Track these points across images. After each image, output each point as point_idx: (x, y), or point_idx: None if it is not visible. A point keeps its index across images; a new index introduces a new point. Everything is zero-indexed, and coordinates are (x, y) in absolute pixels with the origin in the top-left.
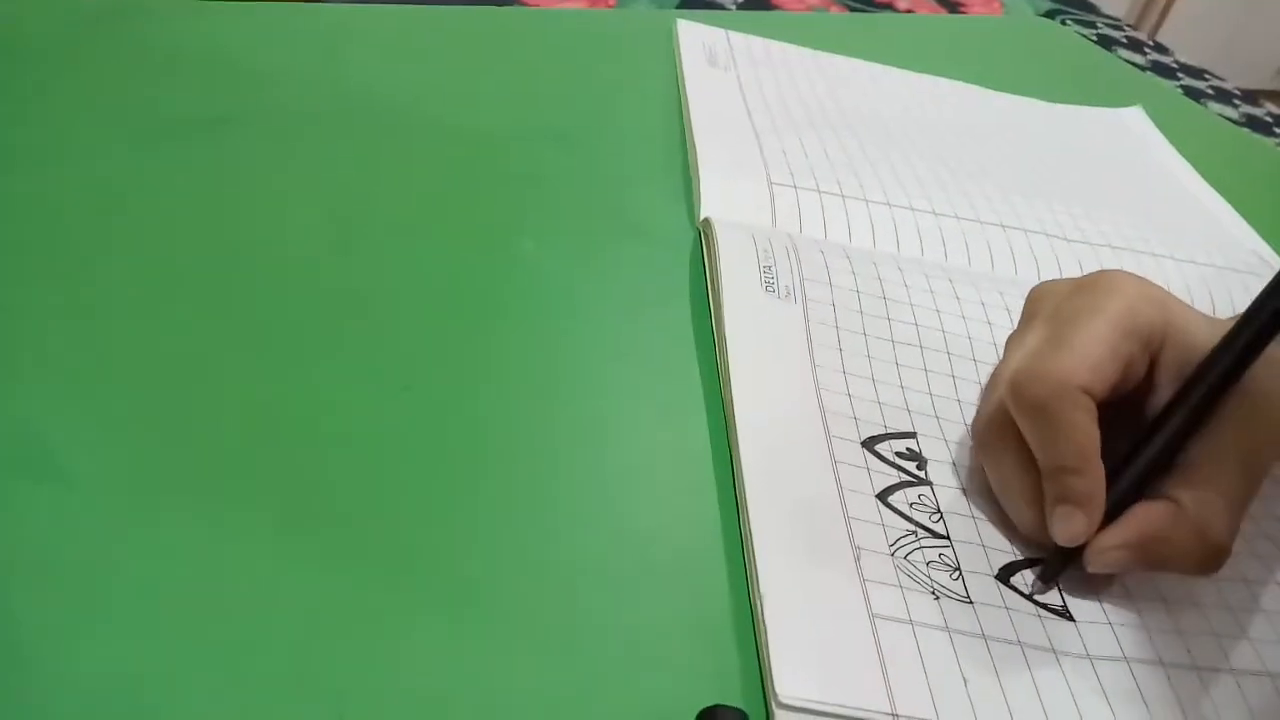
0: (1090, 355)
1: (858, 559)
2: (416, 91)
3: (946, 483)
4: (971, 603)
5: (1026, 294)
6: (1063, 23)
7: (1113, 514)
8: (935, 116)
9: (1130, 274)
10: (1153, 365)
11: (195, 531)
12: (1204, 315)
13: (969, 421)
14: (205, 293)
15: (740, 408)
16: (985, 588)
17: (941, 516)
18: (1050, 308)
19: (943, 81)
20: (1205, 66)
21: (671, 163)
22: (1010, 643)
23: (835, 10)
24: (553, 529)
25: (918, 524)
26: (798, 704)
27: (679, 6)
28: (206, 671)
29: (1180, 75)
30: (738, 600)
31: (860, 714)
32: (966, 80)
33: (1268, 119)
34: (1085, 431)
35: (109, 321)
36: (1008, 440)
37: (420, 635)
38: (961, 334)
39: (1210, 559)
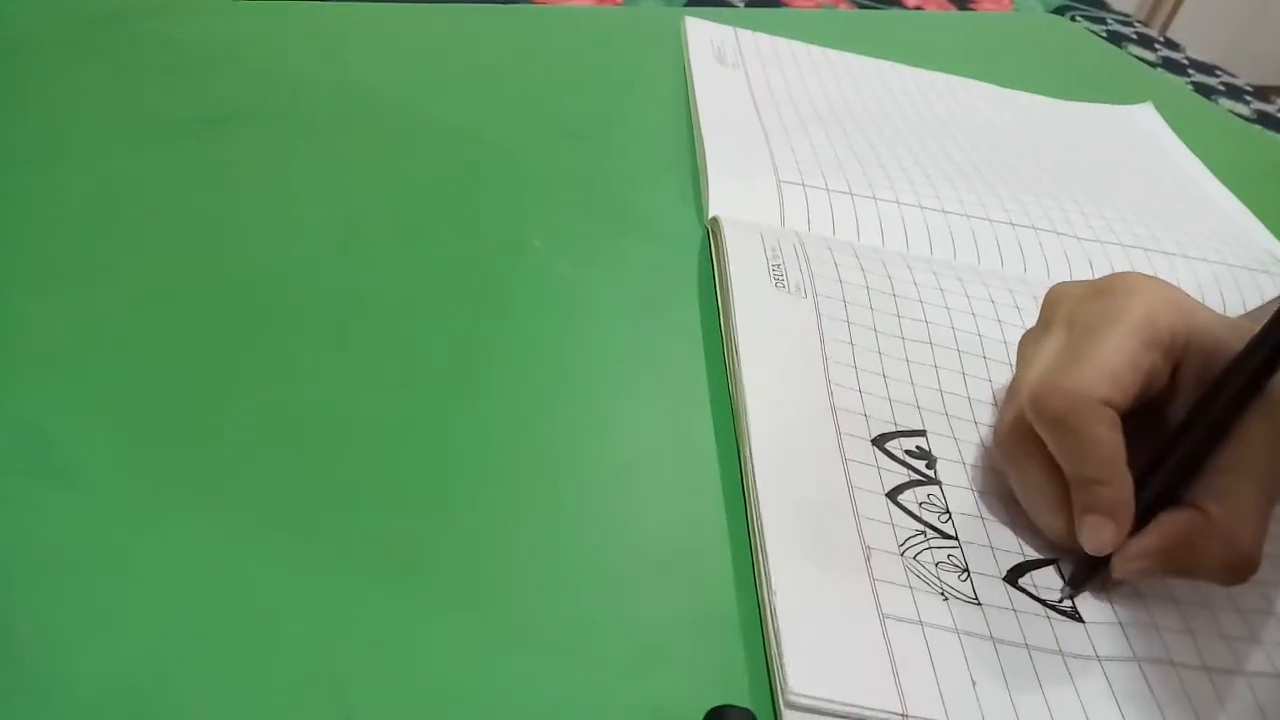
0: (1110, 367)
1: (868, 558)
2: (421, 89)
3: (955, 482)
4: (980, 604)
5: (1036, 292)
6: (1073, 19)
7: (1139, 521)
8: (944, 114)
9: (1149, 277)
10: (1175, 369)
11: (199, 530)
12: (1225, 318)
13: (979, 419)
14: (208, 292)
15: (751, 404)
16: (993, 589)
17: (950, 517)
18: (1067, 312)
19: (952, 79)
20: (1216, 63)
21: (680, 161)
22: (1018, 645)
23: (844, 7)
24: (559, 527)
25: (927, 524)
26: (807, 702)
27: (687, 4)
28: (212, 670)
29: (1191, 71)
30: (745, 599)
31: (870, 713)
32: (976, 77)
33: (1279, 115)
34: (1109, 443)
35: (112, 321)
36: (1030, 450)
37: (427, 633)
38: (971, 332)
39: (1238, 569)
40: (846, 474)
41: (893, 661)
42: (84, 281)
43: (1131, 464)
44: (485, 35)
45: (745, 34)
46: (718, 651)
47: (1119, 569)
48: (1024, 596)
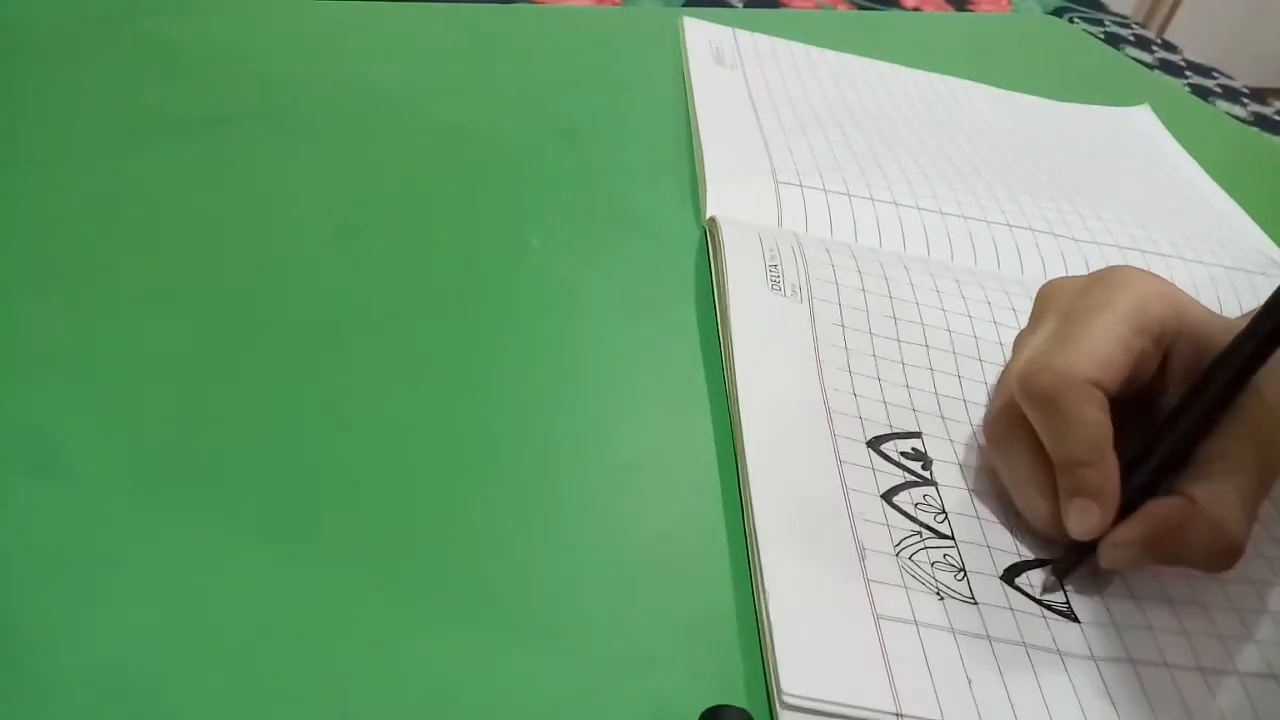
0: (1100, 349)
1: (862, 559)
2: (421, 89)
3: (951, 483)
4: (976, 604)
5: (1032, 294)
6: (1070, 20)
7: (1126, 510)
8: (942, 115)
9: (1141, 270)
10: (1164, 361)
11: (199, 530)
12: (1214, 313)
13: (975, 422)
14: (210, 291)
15: (745, 406)
16: (990, 589)
17: (946, 517)
18: (1062, 305)
19: (950, 80)
20: (1213, 65)
21: (678, 161)
22: (1015, 644)
23: (842, 8)
24: (556, 527)
25: (922, 524)
26: (802, 703)
27: (685, 4)
28: (211, 670)
29: (1188, 73)
30: (742, 600)
31: (865, 714)
32: (973, 78)
33: (1276, 117)
34: (1096, 424)
35: (112, 321)
36: (1018, 434)
37: (424, 633)
38: (968, 334)
39: (1225, 555)
40: (841, 475)
41: (887, 661)
42: (84, 281)
43: (1120, 454)
44: (484, 35)
45: (743, 34)
46: (715, 652)
47: (1105, 556)
48: (1020, 596)
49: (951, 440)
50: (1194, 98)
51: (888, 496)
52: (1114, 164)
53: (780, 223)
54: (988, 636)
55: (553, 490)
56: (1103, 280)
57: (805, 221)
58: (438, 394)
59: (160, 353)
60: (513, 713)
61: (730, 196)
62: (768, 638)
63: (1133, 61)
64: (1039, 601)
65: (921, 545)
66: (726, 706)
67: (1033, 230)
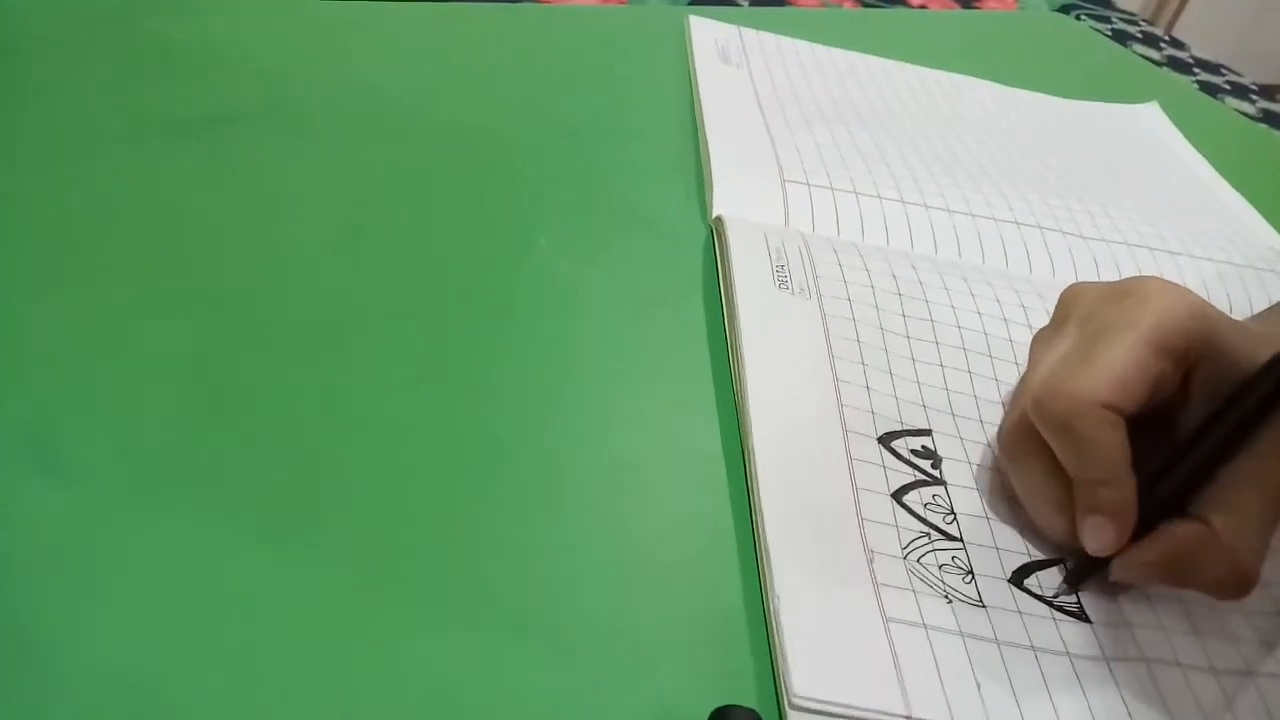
0: (1116, 372)
1: (871, 562)
2: (425, 88)
3: (961, 482)
4: (984, 607)
5: (1041, 291)
6: (1078, 18)
7: (1143, 526)
8: (948, 112)
9: (1168, 282)
10: (1187, 376)
11: (200, 530)
12: (1243, 326)
13: (985, 419)
14: (211, 291)
15: (755, 404)
16: (998, 591)
17: (955, 518)
18: (1082, 313)
19: (957, 77)
20: (1222, 61)
21: (684, 160)
22: (1023, 647)
23: (848, 6)
24: (561, 526)
25: (932, 525)
26: (812, 705)
27: (691, 3)
28: (211, 670)
29: (1196, 70)
30: (750, 599)
31: (875, 716)
32: (980, 76)
33: None
34: (1113, 446)
35: (113, 321)
36: (1033, 450)
37: (425, 633)
38: (977, 330)
39: (1237, 586)
40: (851, 474)
41: (897, 665)
42: (85, 281)
43: (1139, 468)
44: (489, 34)
45: (749, 33)
46: (724, 651)
47: (1118, 573)
48: (1029, 598)
49: (962, 438)
50: (1202, 95)
51: (897, 496)
52: (1122, 161)
53: (787, 221)
54: (996, 640)
55: (557, 489)
56: (1127, 293)
57: (812, 220)
58: (440, 393)
59: (160, 353)
60: (516, 714)
61: (736, 195)
62: (777, 639)
63: (1140, 58)
64: (1049, 603)
65: (930, 547)
66: (735, 707)
67: (1040, 228)
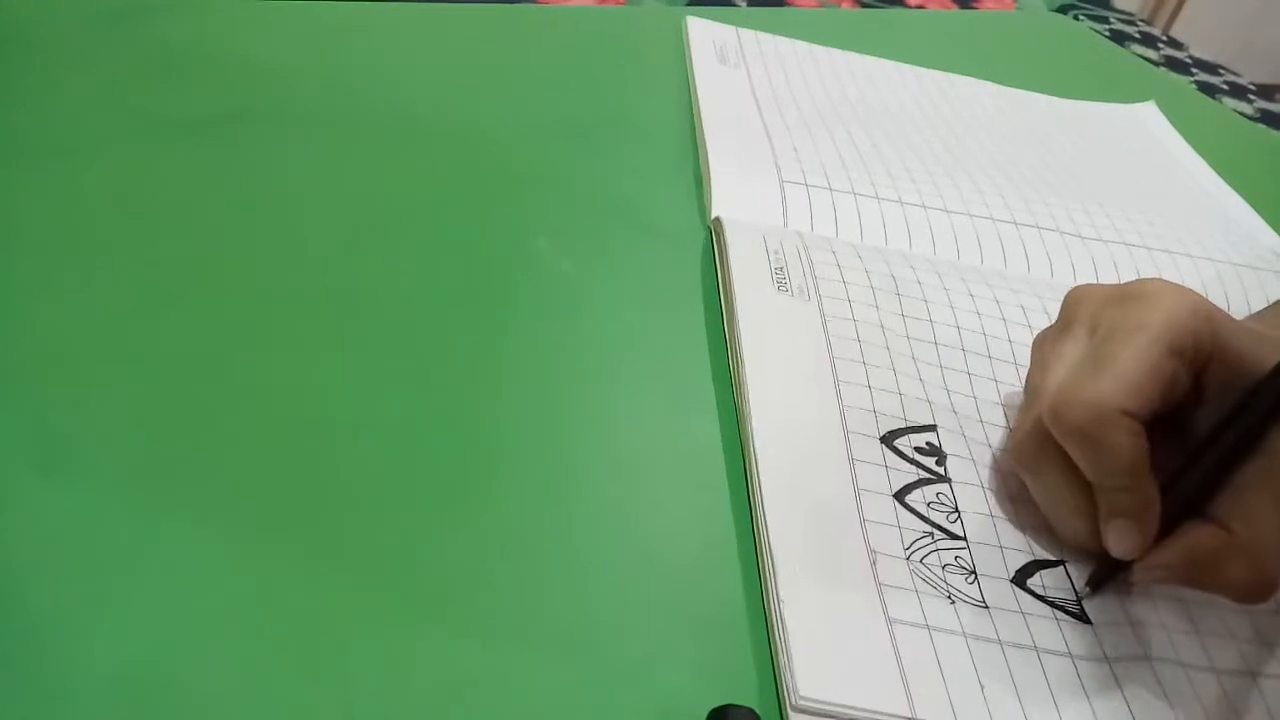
0: (1131, 378)
1: (874, 563)
2: (426, 89)
3: (964, 480)
4: (987, 608)
5: (1039, 291)
6: (1076, 18)
7: (1163, 529)
8: (947, 112)
9: (1173, 284)
10: (1199, 377)
11: (205, 527)
12: (1246, 325)
13: (986, 419)
14: (218, 289)
15: (755, 406)
16: (1001, 592)
17: (959, 516)
18: (1089, 315)
19: (955, 77)
20: (1220, 61)
21: (683, 161)
22: (1026, 648)
23: (846, 6)
24: (564, 526)
25: (935, 525)
26: (815, 706)
27: (689, 4)
28: (216, 667)
29: (1195, 70)
30: (751, 600)
31: (878, 717)
32: (978, 76)
33: None
34: (1131, 450)
35: (121, 320)
36: (1050, 456)
37: (429, 632)
38: (976, 331)
39: (1259, 590)
40: (853, 476)
41: (900, 666)
42: (93, 279)
43: (1157, 469)
44: (489, 35)
45: (747, 33)
46: (723, 651)
47: (1139, 576)
48: (1031, 599)
49: (965, 436)
50: (1201, 94)
51: (900, 495)
52: (1120, 161)
53: (785, 222)
54: (999, 641)
55: (558, 489)
56: (1133, 296)
57: (810, 220)
58: (443, 393)
59: (168, 351)
60: (518, 711)
61: (735, 196)
62: (779, 640)
63: (1138, 58)
64: (1051, 604)
65: (933, 547)
66: (734, 706)
67: (1039, 228)
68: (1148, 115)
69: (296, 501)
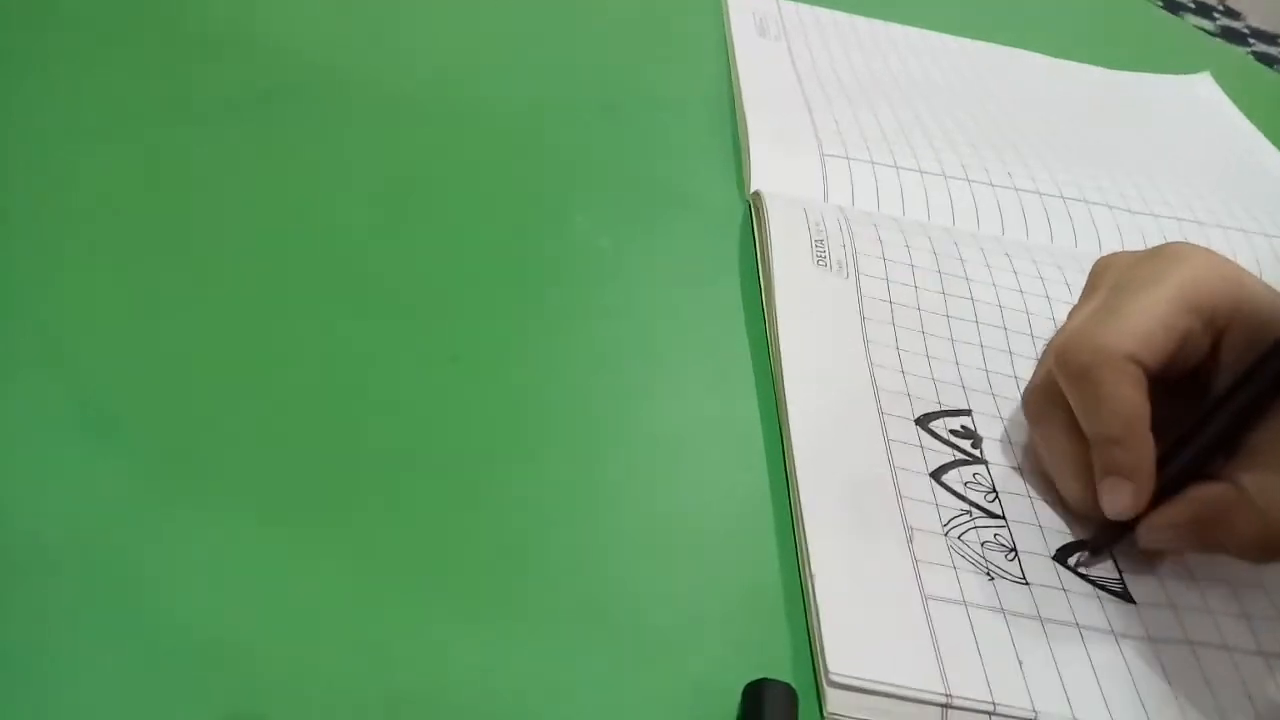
0: (1140, 324)
1: (910, 539)
2: (464, 62)
3: (1002, 461)
4: (1027, 584)
5: (1085, 267)
6: None
7: (1170, 492)
8: (993, 84)
9: (1199, 247)
10: (1218, 342)
11: (247, 501)
12: (1277, 292)
13: None
14: (255, 265)
15: (791, 383)
16: (1042, 569)
17: (997, 496)
18: (1113, 278)
19: (1000, 49)
20: (1279, 31)
21: (721, 134)
22: (1067, 624)
23: None
24: (600, 503)
25: (972, 503)
26: (850, 682)
27: None
28: (255, 642)
29: (1252, 41)
30: (788, 575)
31: (914, 694)
32: (1026, 47)
33: None
34: (1130, 401)
35: (161, 296)
36: (1056, 409)
37: (466, 608)
38: (1019, 309)
39: (1269, 546)
40: (889, 453)
41: (936, 643)
42: (135, 256)
43: (1167, 436)
44: (526, 10)
45: (788, 6)
46: (760, 626)
47: (1144, 538)
48: (1073, 576)
49: (1002, 417)
50: (1259, 65)
51: (936, 475)
52: (1173, 134)
53: (826, 197)
54: (1039, 617)
55: (595, 465)
56: (1157, 255)
57: (851, 195)
58: (479, 369)
59: (208, 327)
60: (555, 685)
61: (775, 170)
62: (814, 617)
63: (1194, 28)
64: (1093, 582)
65: (971, 524)
66: (770, 681)
67: (1087, 202)
68: (1203, 87)
69: (334, 477)
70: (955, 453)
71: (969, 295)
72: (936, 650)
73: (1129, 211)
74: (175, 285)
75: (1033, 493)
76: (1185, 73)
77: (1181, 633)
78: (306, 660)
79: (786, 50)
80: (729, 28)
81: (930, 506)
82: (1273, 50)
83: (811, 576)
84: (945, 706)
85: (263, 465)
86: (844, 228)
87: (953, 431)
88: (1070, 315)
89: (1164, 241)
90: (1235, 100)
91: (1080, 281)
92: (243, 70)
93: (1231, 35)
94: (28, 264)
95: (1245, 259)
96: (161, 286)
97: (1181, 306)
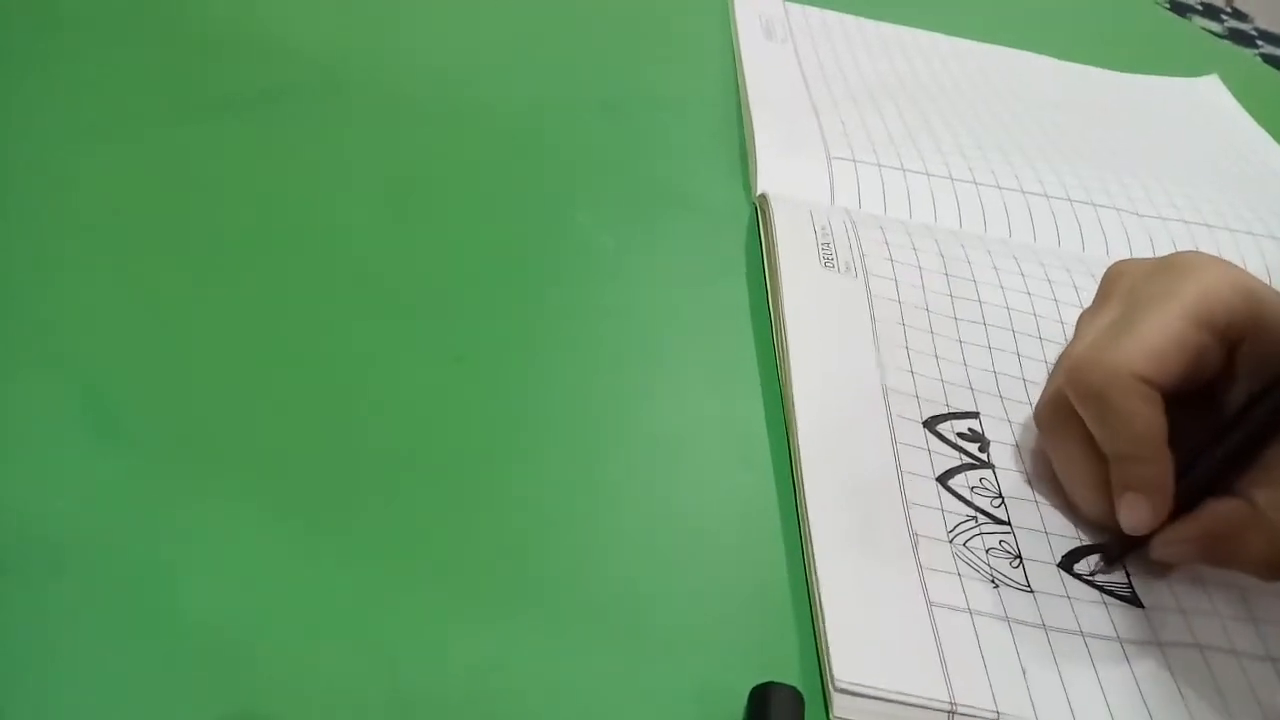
0: (1153, 344)
1: (915, 546)
2: (467, 62)
3: (1009, 466)
4: (1032, 592)
5: (1094, 270)
6: None
7: (1186, 506)
8: (1000, 87)
9: (1214, 257)
10: (1232, 354)
11: (251, 495)
12: None
13: (1033, 402)
14: (258, 265)
15: (799, 385)
16: (1047, 576)
17: (1003, 501)
18: (1126, 287)
19: (1008, 51)
20: None
21: (728, 136)
22: (1072, 633)
23: None
24: (604, 503)
25: (978, 509)
26: (855, 689)
27: None
28: (260, 637)
29: (1260, 43)
30: (794, 576)
31: (918, 702)
32: (1033, 50)
33: None
34: (1146, 420)
35: (167, 293)
36: (1069, 424)
37: (469, 606)
38: (1027, 311)
39: None
40: (896, 458)
41: (940, 650)
42: (139, 252)
43: (1183, 447)
44: (531, 8)
45: (794, 8)
46: (766, 629)
47: (1157, 552)
48: (1079, 583)
49: (1010, 421)
50: (1266, 67)
51: (943, 479)
52: (1180, 136)
53: (833, 199)
54: (1044, 626)
55: (600, 465)
56: (1170, 267)
57: (858, 197)
58: (484, 367)
59: (212, 324)
60: (558, 688)
61: (781, 172)
62: (820, 622)
63: (1201, 30)
64: (1099, 588)
65: (977, 531)
66: (776, 684)
67: (1094, 205)
68: (1210, 89)
69: (336, 476)
70: (963, 456)
71: (976, 298)
72: (941, 658)
73: (1136, 214)
74: (178, 285)
75: (1039, 498)
76: (1193, 75)
77: (1189, 637)
78: (308, 658)
79: (793, 52)
80: (735, 30)
81: (936, 512)
82: None
83: (817, 582)
84: (950, 714)
85: (266, 464)
86: (850, 231)
87: (960, 435)
88: (1080, 321)
89: (1171, 244)
90: (1243, 102)
91: (1088, 285)
92: (243, 69)
93: (1239, 37)
94: (30, 263)
95: (1254, 262)
96: (164, 286)
97: (1194, 323)
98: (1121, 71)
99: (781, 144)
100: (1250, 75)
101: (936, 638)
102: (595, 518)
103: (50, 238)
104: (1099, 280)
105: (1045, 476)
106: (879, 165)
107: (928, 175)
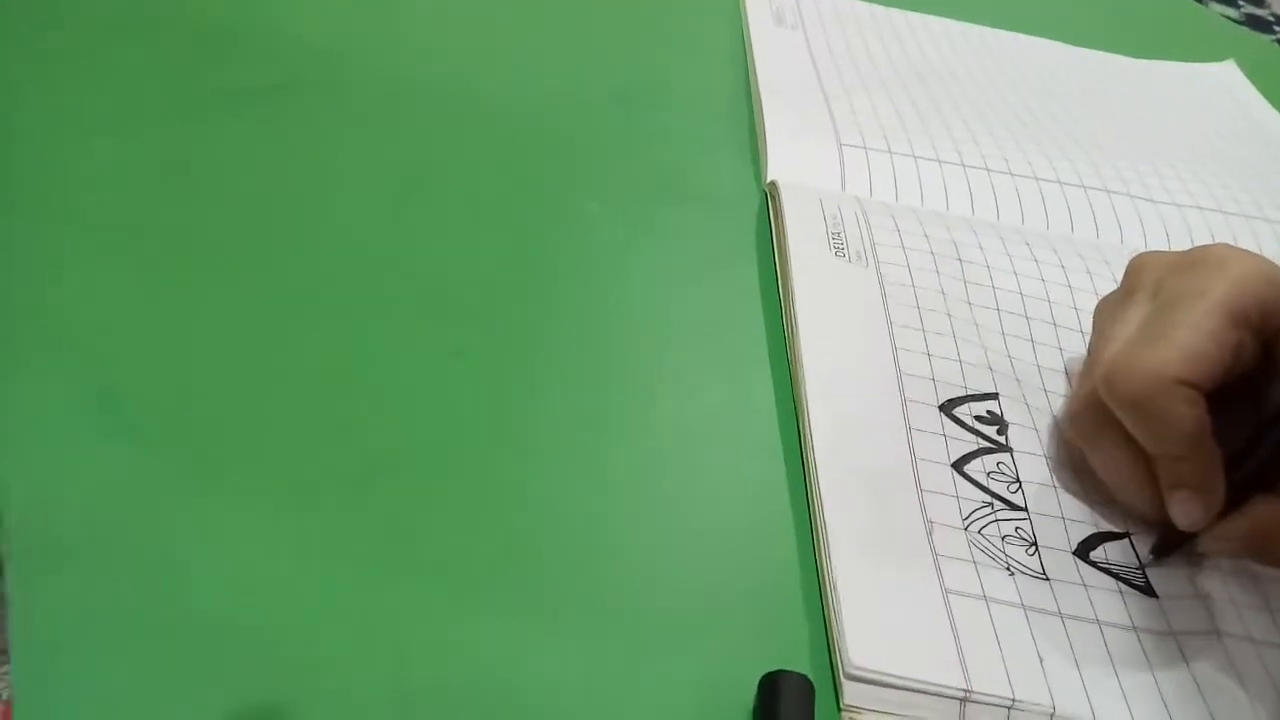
0: (1189, 346)
1: (930, 533)
2: (474, 55)
3: (1026, 449)
4: (1048, 579)
5: (1107, 256)
6: None
7: (1233, 499)
8: (1012, 73)
9: (1240, 249)
10: (1270, 345)
11: (258, 489)
12: None
13: (1049, 388)
14: (267, 259)
15: (811, 372)
16: (1062, 564)
17: (1020, 487)
18: (1152, 282)
19: (1021, 36)
20: None
21: (738, 124)
22: (1088, 621)
23: None
24: (615, 493)
25: (995, 495)
26: (868, 676)
27: None
28: (267, 630)
29: (1277, 28)
30: (805, 567)
31: (932, 689)
32: (1047, 35)
33: None
34: (1189, 421)
35: (173, 287)
36: (1107, 428)
37: (480, 598)
38: (1041, 298)
39: None
40: (910, 444)
41: (956, 637)
42: (144, 248)
43: (1225, 439)
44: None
45: None
46: (777, 618)
47: (1206, 547)
48: (1094, 571)
49: (1028, 405)
50: None
51: (959, 465)
52: (1196, 122)
53: (843, 186)
54: (1060, 614)
55: (609, 455)
56: (1198, 262)
57: (869, 185)
58: (492, 360)
59: (218, 318)
60: (567, 677)
61: (791, 160)
62: (832, 608)
63: (1218, 16)
64: (1116, 576)
65: (992, 518)
66: (787, 672)
67: (1108, 191)
68: (1227, 75)
69: (343, 470)
70: (980, 440)
71: (990, 284)
72: (957, 644)
73: (1151, 201)
74: (182, 280)
75: (1057, 483)
76: (1209, 60)
77: (1207, 625)
78: (319, 650)
79: (804, 39)
80: (745, 16)
81: (951, 499)
82: None
83: (831, 569)
84: (964, 701)
85: (275, 458)
86: (861, 218)
87: (978, 417)
88: (1099, 311)
89: (1186, 230)
90: (1260, 88)
91: (1103, 271)
92: (248, 63)
93: (1256, 23)
94: (38, 257)
95: (1269, 249)
96: (168, 280)
97: (1229, 320)
98: (1137, 57)
99: (792, 131)
100: (1267, 60)
101: (952, 625)
102: (605, 508)
103: (56, 232)
104: (1112, 266)
105: (1063, 462)
106: (890, 152)
107: (939, 162)
